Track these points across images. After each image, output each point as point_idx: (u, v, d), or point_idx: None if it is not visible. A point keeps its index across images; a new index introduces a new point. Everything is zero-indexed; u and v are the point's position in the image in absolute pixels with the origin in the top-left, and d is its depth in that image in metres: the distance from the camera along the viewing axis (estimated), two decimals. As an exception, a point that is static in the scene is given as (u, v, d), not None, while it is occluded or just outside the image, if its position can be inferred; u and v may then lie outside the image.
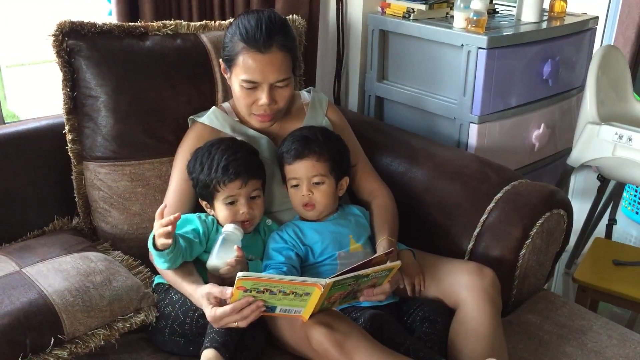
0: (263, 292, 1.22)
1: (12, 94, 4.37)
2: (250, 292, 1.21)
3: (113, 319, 1.38)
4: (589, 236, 2.55)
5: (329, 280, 1.21)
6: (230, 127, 1.61)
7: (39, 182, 1.65)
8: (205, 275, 1.42)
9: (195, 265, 1.44)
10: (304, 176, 1.50)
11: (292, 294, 1.23)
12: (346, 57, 2.37)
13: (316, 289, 1.21)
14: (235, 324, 1.25)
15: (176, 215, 1.29)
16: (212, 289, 1.29)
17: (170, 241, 1.29)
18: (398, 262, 1.32)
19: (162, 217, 1.29)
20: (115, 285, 1.41)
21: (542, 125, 2.19)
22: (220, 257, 1.36)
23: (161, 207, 1.31)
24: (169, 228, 1.28)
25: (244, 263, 1.39)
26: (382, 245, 1.50)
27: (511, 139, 2.12)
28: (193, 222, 1.47)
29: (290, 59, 1.52)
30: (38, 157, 1.65)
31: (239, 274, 1.18)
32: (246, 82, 1.50)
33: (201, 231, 1.44)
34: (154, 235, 1.32)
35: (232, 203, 1.44)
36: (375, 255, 1.33)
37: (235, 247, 1.36)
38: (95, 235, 1.69)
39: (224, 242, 1.38)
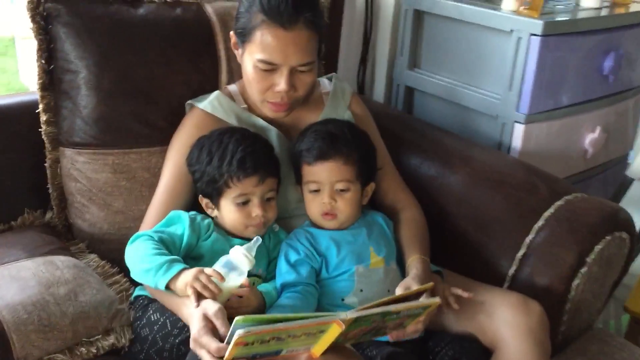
0: (268, 342, 0.99)
1: (24, 66, 4.21)
2: (253, 344, 0.98)
3: (76, 342, 1.16)
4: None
5: (350, 315, 0.99)
6: (235, 116, 1.39)
7: (9, 168, 1.44)
8: None
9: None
10: (327, 181, 1.28)
11: (304, 335, 1.01)
12: (374, 39, 2.16)
13: (334, 325, 1.00)
14: None
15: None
16: (212, 312, 1.05)
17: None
18: (437, 300, 1.10)
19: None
20: (81, 299, 1.19)
21: (598, 128, 1.93)
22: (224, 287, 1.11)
23: (213, 272, 1.10)
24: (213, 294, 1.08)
25: (255, 295, 1.17)
26: (414, 266, 1.28)
27: (561, 143, 1.87)
28: (181, 224, 1.24)
29: (316, 39, 1.30)
30: (9, 139, 1.45)
31: (239, 332, 0.93)
32: (263, 63, 1.27)
33: (185, 240, 1.21)
34: (172, 276, 1.12)
35: (244, 203, 1.24)
36: (412, 290, 1.15)
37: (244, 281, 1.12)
38: (70, 233, 1.48)
39: (229, 267, 1.12)
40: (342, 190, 1.29)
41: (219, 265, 1.11)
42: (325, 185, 1.29)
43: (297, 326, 0.98)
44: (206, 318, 1.04)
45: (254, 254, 1.12)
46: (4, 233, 1.39)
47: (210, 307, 1.05)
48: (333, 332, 1.01)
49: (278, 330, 0.97)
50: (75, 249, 1.40)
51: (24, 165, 1.46)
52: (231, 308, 1.09)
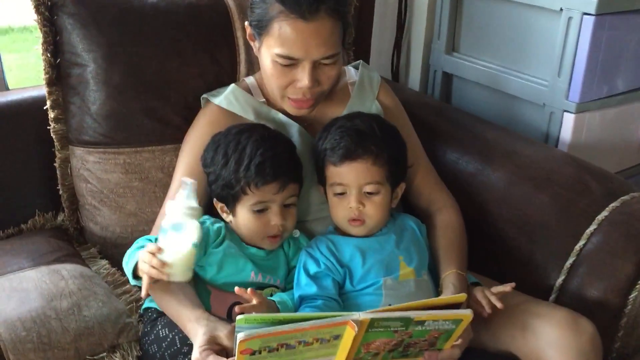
0: (277, 349, 0.90)
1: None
2: (260, 352, 0.89)
3: (79, 360, 1.08)
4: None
5: (364, 316, 0.90)
6: (253, 111, 1.29)
7: (20, 167, 1.39)
8: (205, 296, 1.13)
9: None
10: (354, 183, 1.17)
11: (317, 341, 0.92)
12: (409, 21, 2.07)
13: (348, 328, 0.91)
14: None
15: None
16: (223, 334, 0.97)
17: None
18: (469, 312, 0.96)
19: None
20: (86, 314, 1.12)
21: None
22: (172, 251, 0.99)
23: (154, 246, 1.00)
24: (161, 276, 0.99)
25: (265, 304, 1.06)
26: (449, 281, 1.16)
27: (615, 133, 1.74)
28: None
29: (340, 28, 1.19)
30: (20, 137, 1.40)
31: (240, 335, 0.85)
32: (282, 58, 1.16)
33: None
34: (135, 264, 1.05)
35: (262, 210, 1.15)
36: (439, 298, 1.05)
37: (249, 291, 1.01)
38: (82, 236, 1.42)
39: (175, 230, 1.00)
40: (370, 194, 1.18)
41: (162, 234, 1.00)
42: (352, 188, 1.17)
43: (306, 328, 0.89)
44: (212, 340, 0.96)
45: (195, 203, 1.00)
46: (12, 238, 1.34)
47: (221, 328, 0.97)
48: (348, 337, 0.92)
49: (285, 334, 0.88)
50: (86, 254, 1.34)
51: (36, 164, 1.40)
52: None
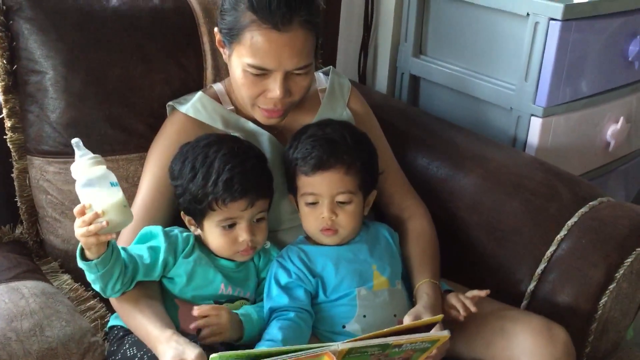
0: None
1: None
2: None
3: (42, 384, 1.03)
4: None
5: (342, 346, 0.90)
6: (222, 120, 1.25)
7: None
8: (173, 311, 1.10)
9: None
10: (326, 193, 1.15)
11: None
12: (375, 24, 2.04)
13: (325, 358, 0.90)
14: None
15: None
16: (192, 354, 0.94)
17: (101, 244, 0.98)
18: (446, 333, 0.97)
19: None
20: (48, 334, 1.07)
21: (621, 118, 1.80)
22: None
23: (79, 206, 0.97)
24: (101, 224, 0.94)
25: (227, 324, 1.04)
26: (423, 291, 1.15)
27: (581, 136, 1.74)
28: (155, 239, 1.12)
29: (313, 39, 1.17)
30: None
31: None
32: (254, 68, 1.14)
33: (161, 256, 1.09)
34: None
35: (230, 226, 1.12)
36: (417, 321, 1.03)
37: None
38: (42, 249, 1.36)
39: (93, 186, 0.98)
40: (343, 203, 1.16)
41: (81, 197, 0.98)
42: (324, 198, 1.15)
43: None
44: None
45: (91, 153, 0.98)
46: (-34, 253, 1.26)
47: (189, 352, 0.93)
48: None
49: None
50: (46, 269, 1.28)
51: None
52: (203, 339, 1.00)
